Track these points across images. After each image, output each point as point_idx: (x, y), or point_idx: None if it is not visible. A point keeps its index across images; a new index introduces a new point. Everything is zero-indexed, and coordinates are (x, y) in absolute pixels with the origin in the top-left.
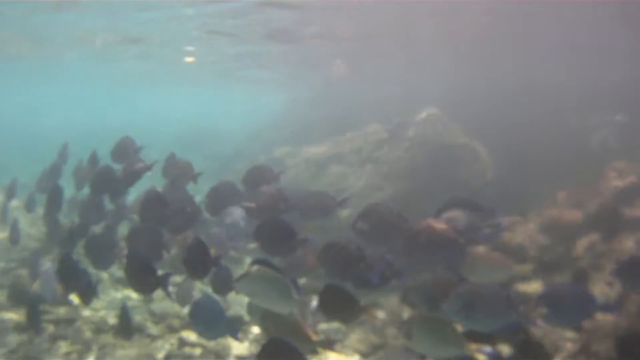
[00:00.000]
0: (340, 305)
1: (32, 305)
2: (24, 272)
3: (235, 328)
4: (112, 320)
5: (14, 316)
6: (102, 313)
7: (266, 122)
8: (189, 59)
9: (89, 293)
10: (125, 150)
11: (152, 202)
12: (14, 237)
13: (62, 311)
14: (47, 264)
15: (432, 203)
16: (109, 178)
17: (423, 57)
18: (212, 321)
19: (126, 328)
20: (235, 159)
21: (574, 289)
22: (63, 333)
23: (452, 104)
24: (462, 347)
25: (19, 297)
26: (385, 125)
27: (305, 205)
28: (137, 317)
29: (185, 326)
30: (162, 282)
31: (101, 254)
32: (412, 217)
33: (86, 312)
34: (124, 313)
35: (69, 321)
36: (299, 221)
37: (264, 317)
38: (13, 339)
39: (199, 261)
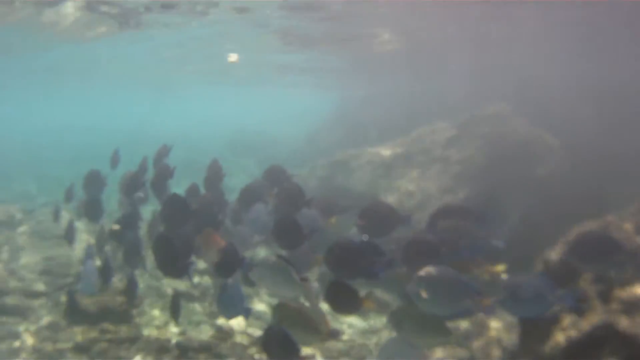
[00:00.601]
0: (345, 299)
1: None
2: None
3: (248, 310)
4: (176, 338)
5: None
6: (162, 331)
7: (319, 124)
8: (232, 58)
9: (130, 292)
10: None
11: (172, 205)
12: (70, 236)
13: (123, 330)
14: (90, 261)
15: (510, 204)
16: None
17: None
18: (232, 303)
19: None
20: (290, 164)
21: (537, 280)
22: (125, 354)
23: (524, 101)
24: (448, 335)
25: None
26: (452, 122)
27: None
28: (203, 335)
29: (255, 343)
30: (186, 269)
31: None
32: (489, 221)
33: (147, 331)
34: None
35: (132, 340)
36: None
37: (276, 308)
38: None
39: (229, 264)
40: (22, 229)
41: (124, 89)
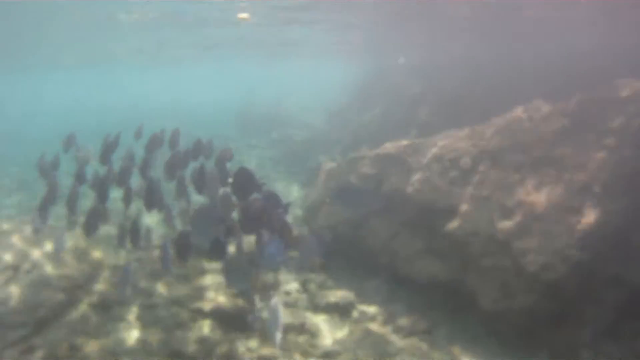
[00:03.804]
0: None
1: None
2: None
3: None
4: None
5: None
6: None
7: (349, 100)
8: (243, 15)
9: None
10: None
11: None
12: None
13: None
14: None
15: None
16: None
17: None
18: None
19: None
20: (312, 147)
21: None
22: None
23: None
24: (248, 282)
25: None
26: (555, 104)
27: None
28: None
29: None
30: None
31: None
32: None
33: None
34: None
35: None
36: None
37: None
38: None
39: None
40: None
41: (124, 63)
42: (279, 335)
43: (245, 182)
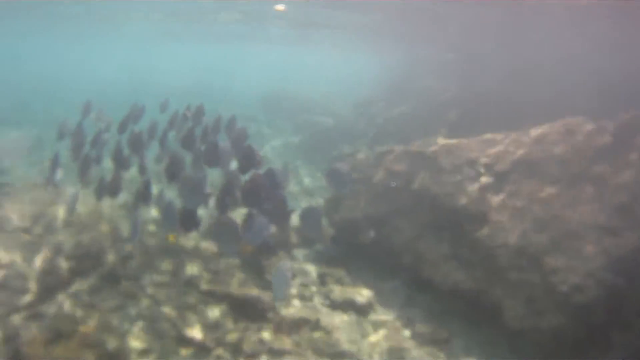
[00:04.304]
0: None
1: None
2: None
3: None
4: None
5: None
6: None
7: (378, 93)
8: (279, 7)
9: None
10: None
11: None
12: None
13: None
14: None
15: None
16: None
17: None
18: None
19: None
20: (337, 136)
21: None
22: None
23: None
24: (237, 245)
25: None
26: (600, 121)
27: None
28: None
29: None
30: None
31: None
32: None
33: None
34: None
35: None
36: None
37: None
38: None
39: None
40: None
41: (152, 39)
42: (286, 293)
43: (246, 159)
